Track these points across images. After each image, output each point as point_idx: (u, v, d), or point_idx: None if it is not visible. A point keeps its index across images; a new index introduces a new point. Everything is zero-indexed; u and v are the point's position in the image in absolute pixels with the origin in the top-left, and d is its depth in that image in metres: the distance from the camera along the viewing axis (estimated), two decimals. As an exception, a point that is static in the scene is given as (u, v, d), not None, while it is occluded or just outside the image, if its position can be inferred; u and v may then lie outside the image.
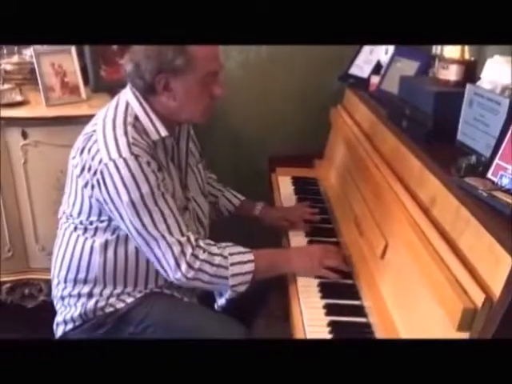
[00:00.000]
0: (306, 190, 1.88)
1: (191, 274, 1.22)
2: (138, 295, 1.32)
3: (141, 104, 1.26)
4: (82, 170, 1.23)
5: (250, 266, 1.27)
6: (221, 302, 1.32)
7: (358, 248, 1.38)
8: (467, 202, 0.95)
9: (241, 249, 1.30)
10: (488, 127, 1.07)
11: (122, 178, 1.17)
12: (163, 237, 1.20)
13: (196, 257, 1.22)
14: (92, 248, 1.29)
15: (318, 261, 1.32)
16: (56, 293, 1.38)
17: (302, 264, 1.34)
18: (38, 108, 1.88)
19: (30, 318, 2.00)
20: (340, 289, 1.29)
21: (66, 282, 1.34)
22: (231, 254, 1.27)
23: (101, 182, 1.20)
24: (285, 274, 1.35)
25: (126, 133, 1.21)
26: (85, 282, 1.31)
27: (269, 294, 1.54)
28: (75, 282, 1.32)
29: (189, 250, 1.22)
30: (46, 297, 1.97)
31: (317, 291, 1.28)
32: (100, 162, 1.19)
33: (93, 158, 1.21)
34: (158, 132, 1.26)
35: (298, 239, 1.53)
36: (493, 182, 0.97)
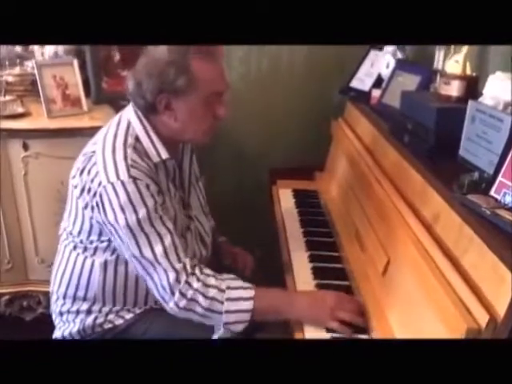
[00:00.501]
0: (307, 202, 1.88)
1: (183, 303, 1.17)
2: (138, 311, 1.31)
3: (142, 124, 1.24)
4: (82, 191, 1.22)
5: (249, 305, 1.17)
6: (218, 335, 1.24)
7: (360, 263, 1.37)
8: (470, 220, 0.95)
9: (243, 284, 1.21)
10: (490, 144, 1.07)
11: (119, 201, 1.16)
12: (159, 262, 1.17)
13: (189, 285, 1.16)
14: (92, 267, 1.27)
15: (329, 311, 1.17)
16: (55, 308, 1.37)
17: (310, 313, 1.19)
18: (39, 120, 1.88)
19: (28, 331, 1.99)
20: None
21: (64, 298, 1.33)
22: (229, 288, 1.18)
23: (99, 204, 1.18)
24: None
25: (125, 155, 1.19)
26: (84, 299, 1.30)
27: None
28: (74, 298, 1.31)
29: (183, 278, 1.16)
30: (45, 309, 1.96)
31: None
32: (99, 184, 1.18)
33: (92, 180, 1.20)
34: (158, 154, 1.24)
35: (298, 253, 1.52)
36: (496, 200, 0.97)
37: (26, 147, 1.85)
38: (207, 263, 1.38)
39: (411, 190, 1.24)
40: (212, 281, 1.19)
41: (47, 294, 1.66)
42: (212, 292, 1.17)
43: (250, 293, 1.18)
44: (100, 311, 1.30)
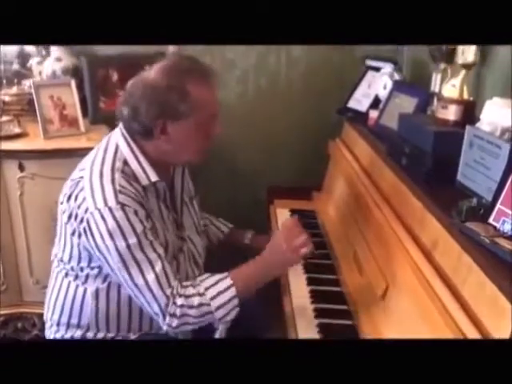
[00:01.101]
0: (305, 223, 1.83)
1: (175, 322, 1.18)
2: (133, 337, 1.29)
3: (130, 147, 1.24)
4: (69, 217, 1.21)
5: (232, 292, 1.21)
6: (220, 334, 1.30)
7: (358, 287, 1.36)
8: (469, 248, 0.94)
9: (217, 277, 1.24)
10: (489, 170, 1.06)
11: (107, 228, 1.15)
12: (150, 289, 1.17)
13: (175, 304, 1.18)
14: (84, 295, 1.26)
15: (288, 248, 1.24)
16: (49, 334, 1.36)
17: (281, 262, 1.28)
18: (35, 140, 1.88)
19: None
20: (340, 329, 1.27)
21: (58, 325, 1.32)
22: (207, 289, 1.21)
23: (87, 230, 1.17)
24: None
25: (113, 180, 1.18)
26: (78, 326, 1.29)
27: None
28: (68, 326, 1.30)
29: (170, 300, 1.18)
30: (40, 331, 1.94)
31: (315, 332, 1.26)
32: (86, 210, 1.17)
33: (79, 206, 1.18)
34: (147, 177, 1.23)
35: (296, 275, 1.51)
36: (495, 228, 0.96)
37: (21, 168, 1.84)
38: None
39: (409, 214, 1.23)
40: (190, 290, 1.21)
41: (42, 316, 1.64)
42: (196, 300, 1.20)
43: (228, 282, 1.23)
44: (95, 338, 1.28)
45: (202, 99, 1.20)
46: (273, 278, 1.29)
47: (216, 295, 1.21)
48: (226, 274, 1.25)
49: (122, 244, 1.15)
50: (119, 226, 1.15)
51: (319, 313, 1.32)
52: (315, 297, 1.39)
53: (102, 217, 1.15)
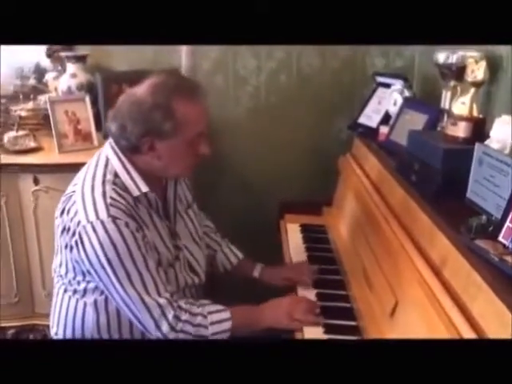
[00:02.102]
0: (315, 238, 1.87)
1: (173, 335, 1.21)
2: None
3: (120, 160, 1.25)
4: (63, 231, 1.24)
5: (228, 324, 1.27)
6: None
7: (367, 303, 1.36)
8: (478, 266, 0.94)
9: (218, 307, 1.30)
10: (498, 188, 1.07)
11: (99, 241, 1.16)
12: (141, 298, 1.18)
13: (178, 319, 1.22)
14: (84, 309, 1.28)
15: (286, 315, 1.33)
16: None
17: (272, 319, 1.34)
18: (50, 155, 1.91)
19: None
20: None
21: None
22: (210, 313, 1.27)
23: (79, 243, 1.19)
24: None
25: (104, 193, 1.20)
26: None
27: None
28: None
29: (170, 313, 1.21)
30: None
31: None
32: (78, 223, 1.18)
33: (71, 220, 1.20)
34: (138, 188, 1.24)
35: (305, 291, 1.51)
36: (504, 245, 0.96)
37: (36, 181, 1.88)
38: (201, 290, 1.44)
39: (418, 230, 1.23)
40: (196, 309, 1.26)
41: (53, 329, 1.66)
42: (198, 319, 1.24)
43: (227, 314, 1.29)
44: None
45: (187, 118, 1.20)
46: (260, 329, 1.35)
47: (215, 322, 1.26)
48: (224, 307, 1.30)
49: (113, 256, 1.17)
50: (110, 239, 1.16)
51: (328, 328, 1.32)
52: (324, 312, 1.39)
53: (94, 229, 1.17)
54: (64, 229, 1.23)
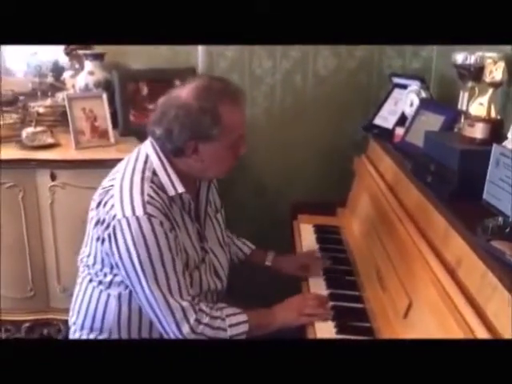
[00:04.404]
0: (328, 238, 1.86)
1: (193, 337, 1.22)
2: None
3: (160, 159, 1.27)
4: (97, 223, 1.25)
5: (245, 327, 1.29)
6: None
7: (380, 304, 1.35)
8: (494, 267, 0.93)
9: (235, 310, 1.32)
10: (515, 189, 1.05)
11: (132, 237, 1.18)
12: (165, 299, 1.20)
13: (199, 322, 1.23)
14: (107, 300, 1.30)
15: (296, 312, 1.37)
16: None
17: (285, 319, 1.37)
18: (67, 151, 1.93)
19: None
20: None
21: (82, 329, 1.35)
22: (228, 316, 1.28)
23: (112, 236, 1.20)
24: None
25: (142, 190, 1.21)
26: (100, 331, 1.32)
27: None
28: (91, 329, 1.33)
29: (192, 316, 1.22)
30: (65, 338, 1.97)
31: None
32: (114, 217, 1.20)
33: (107, 213, 1.22)
34: (174, 188, 1.26)
35: (318, 291, 1.50)
36: (520, 247, 0.95)
37: (53, 177, 1.90)
38: (221, 296, 1.44)
39: (434, 231, 1.23)
40: (215, 312, 1.27)
41: (67, 323, 1.67)
42: (217, 322, 1.26)
43: (244, 317, 1.30)
44: None
45: (232, 122, 1.23)
46: (269, 331, 1.37)
47: (234, 324, 1.28)
48: (241, 310, 1.32)
49: (143, 253, 1.18)
50: (143, 236, 1.18)
51: (341, 329, 1.32)
52: (337, 313, 1.39)
53: (129, 225, 1.18)
54: (98, 221, 1.24)
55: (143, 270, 1.18)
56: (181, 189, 1.26)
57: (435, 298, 1.04)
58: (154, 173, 1.26)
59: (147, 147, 1.30)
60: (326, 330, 1.32)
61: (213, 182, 1.48)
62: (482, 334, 0.88)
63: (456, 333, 0.93)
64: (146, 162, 1.27)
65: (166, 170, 1.27)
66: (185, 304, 1.21)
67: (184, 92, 1.23)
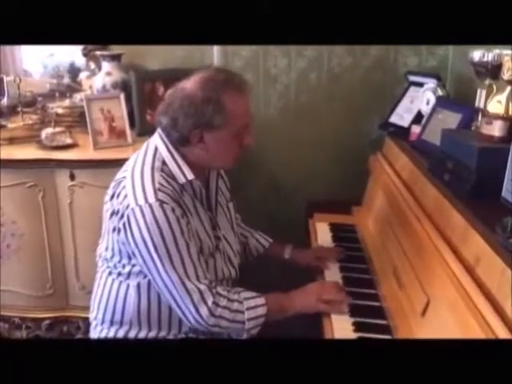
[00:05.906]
0: (344, 237, 1.87)
1: (212, 320, 1.26)
2: (172, 337, 1.34)
3: (169, 150, 1.31)
4: (112, 214, 1.29)
5: (263, 310, 1.32)
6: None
7: (397, 302, 1.35)
8: (513, 265, 0.93)
9: (253, 293, 1.35)
10: (534, 187, 1.05)
11: (146, 224, 1.21)
12: (182, 282, 1.23)
13: (217, 304, 1.26)
14: (127, 290, 1.32)
15: (315, 297, 1.39)
16: (93, 335, 1.41)
17: (303, 303, 1.39)
18: (86, 151, 1.96)
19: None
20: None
21: (102, 323, 1.38)
22: (246, 299, 1.31)
23: (126, 225, 1.24)
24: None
25: (153, 179, 1.25)
26: (120, 324, 1.34)
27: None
28: (111, 323, 1.36)
29: (210, 298, 1.25)
30: (84, 335, 2.00)
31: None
32: (127, 207, 1.24)
33: (120, 203, 1.26)
34: (184, 176, 1.29)
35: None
36: (540, 245, 0.95)
37: (72, 177, 1.93)
38: (235, 284, 1.46)
39: (452, 229, 1.22)
40: (233, 295, 1.31)
41: (86, 320, 1.70)
42: (235, 305, 1.29)
43: (262, 300, 1.34)
44: (136, 337, 1.33)
45: (236, 111, 1.26)
46: (286, 315, 1.38)
47: (252, 307, 1.31)
48: (259, 294, 1.35)
49: (158, 239, 1.21)
50: (157, 222, 1.21)
51: (358, 327, 1.32)
52: (354, 311, 1.39)
53: (142, 212, 1.21)
54: (113, 212, 1.28)
55: (159, 255, 1.21)
56: (190, 176, 1.30)
57: (454, 295, 1.04)
58: (164, 163, 1.29)
59: (156, 139, 1.33)
60: (342, 327, 1.32)
61: (221, 173, 1.50)
62: (501, 332, 0.88)
63: (475, 331, 0.93)
64: (155, 154, 1.31)
65: (175, 159, 1.30)
66: (202, 287, 1.24)
67: (189, 83, 1.27)
